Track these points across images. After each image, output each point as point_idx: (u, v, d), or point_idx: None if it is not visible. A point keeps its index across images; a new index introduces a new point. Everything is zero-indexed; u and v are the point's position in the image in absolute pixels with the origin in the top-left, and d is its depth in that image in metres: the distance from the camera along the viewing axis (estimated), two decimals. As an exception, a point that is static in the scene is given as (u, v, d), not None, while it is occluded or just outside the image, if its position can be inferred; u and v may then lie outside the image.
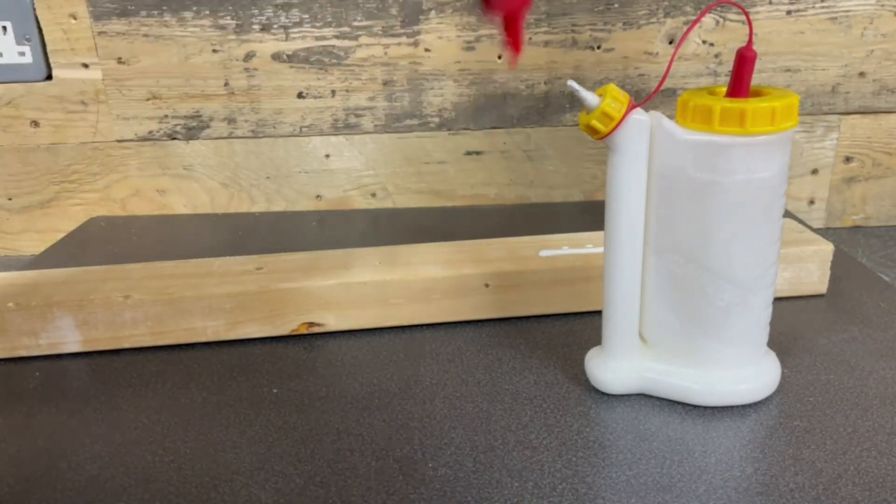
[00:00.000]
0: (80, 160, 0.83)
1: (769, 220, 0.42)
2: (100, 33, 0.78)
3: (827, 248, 0.58)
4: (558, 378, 0.49)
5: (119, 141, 0.82)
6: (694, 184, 0.41)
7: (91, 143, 0.82)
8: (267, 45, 0.78)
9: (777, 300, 0.46)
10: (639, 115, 0.41)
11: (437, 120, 0.81)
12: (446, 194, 0.84)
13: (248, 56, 0.78)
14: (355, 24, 0.77)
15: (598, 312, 0.47)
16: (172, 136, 0.82)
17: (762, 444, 0.42)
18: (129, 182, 0.84)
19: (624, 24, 0.77)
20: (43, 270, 0.58)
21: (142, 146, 0.83)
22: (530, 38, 0.77)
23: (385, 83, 0.80)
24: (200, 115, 0.81)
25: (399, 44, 0.78)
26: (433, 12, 0.77)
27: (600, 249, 0.54)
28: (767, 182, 0.41)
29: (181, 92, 0.80)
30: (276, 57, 0.79)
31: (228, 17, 0.77)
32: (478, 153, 0.83)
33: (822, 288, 0.59)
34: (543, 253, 0.58)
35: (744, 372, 0.45)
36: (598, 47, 0.78)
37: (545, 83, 0.80)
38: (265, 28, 0.77)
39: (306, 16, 0.77)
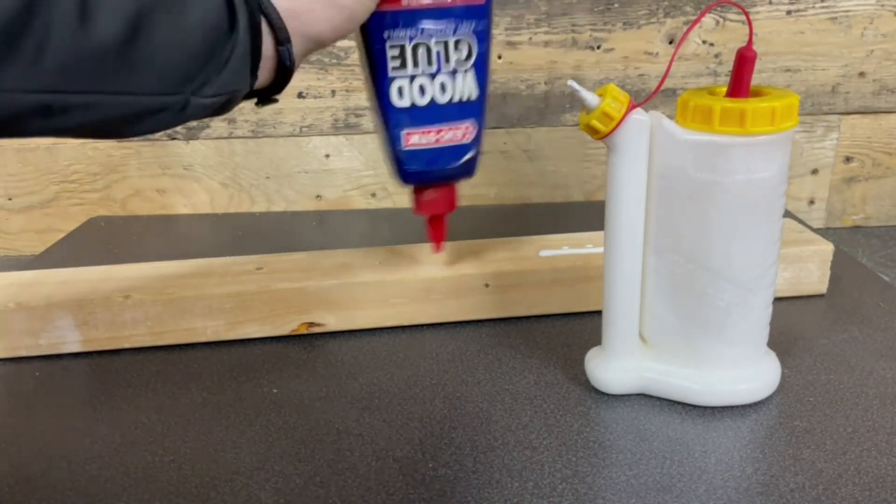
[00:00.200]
0: (80, 160, 0.83)
1: (769, 220, 0.42)
2: (100, 33, 0.78)
3: (827, 248, 0.58)
4: (558, 378, 0.49)
5: (119, 141, 0.82)
6: (694, 184, 0.41)
7: (91, 143, 0.82)
8: (267, 45, 0.78)
9: (777, 300, 0.46)
10: (639, 115, 0.41)
11: (437, 120, 0.81)
12: (446, 194, 0.84)
13: (248, 56, 0.78)
14: (355, 24, 0.77)
15: (598, 312, 0.47)
16: (172, 136, 0.82)
17: (762, 444, 0.42)
18: (129, 182, 0.84)
19: (624, 24, 0.77)
20: (43, 270, 0.58)
21: (142, 146, 0.83)
22: (530, 39, 0.77)
23: (385, 83, 0.80)
24: (200, 115, 0.81)
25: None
26: (433, 12, 0.77)
27: (600, 249, 0.54)
28: (767, 182, 0.41)
29: (181, 92, 0.80)
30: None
31: (228, 17, 0.77)
32: (478, 153, 0.83)
33: (822, 288, 0.59)
34: (543, 253, 0.58)
35: (744, 372, 0.45)
36: (598, 47, 0.78)
37: (545, 83, 0.80)
38: (265, 28, 0.77)
39: (306, 16, 0.77)
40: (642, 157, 0.42)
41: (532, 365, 0.51)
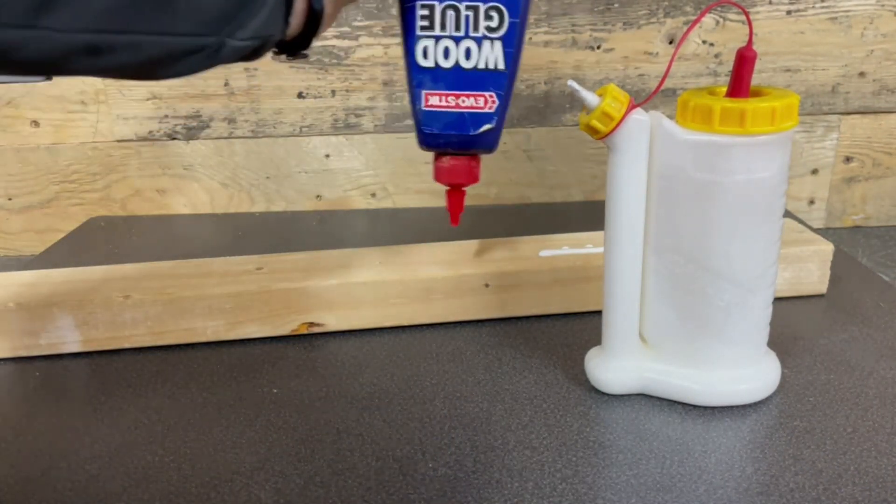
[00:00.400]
0: (80, 160, 0.83)
1: (769, 220, 0.42)
2: (100, 33, 0.78)
3: (827, 248, 0.58)
4: (558, 378, 0.49)
5: (119, 141, 0.82)
6: (694, 184, 0.41)
7: (91, 143, 0.82)
8: (267, 45, 0.78)
9: (777, 300, 0.46)
10: (639, 115, 0.41)
11: (437, 120, 0.81)
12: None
13: (248, 56, 0.78)
14: (355, 23, 0.77)
15: (598, 312, 0.47)
16: (172, 136, 0.82)
17: (762, 444, 0.42)
18: (129, 182, 0.84)
19: (624, 24, 0.77)
20: (43, 270, 0.58)
21: (142, 146, 0.83)
22: (530, 39, 0.77)
23: (385, 83, 0.80)
24: (200, 115, 0.81)
25: (399, 44, 0.78)
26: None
27: (600, 249, 0.54)
28: (767, 182, 0.41)
29: (181, 92, 0.80)
30: (276, 56, 0.79)
31: (228, 17, 0.77)
32: (478, 153, 0.83)
33: (822, 288, 0.59)
34: (543, 253, 0.58)
35: (744, 372, 0.45)
36: (598, 47, 0.78)
37: (545, 83, 0.80)
38: (265, 28, 0.77)
39: (306, 16, 0.77)
40: (642, 157, 0.42)
41: (532, 365, 0.51)
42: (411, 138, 0.82)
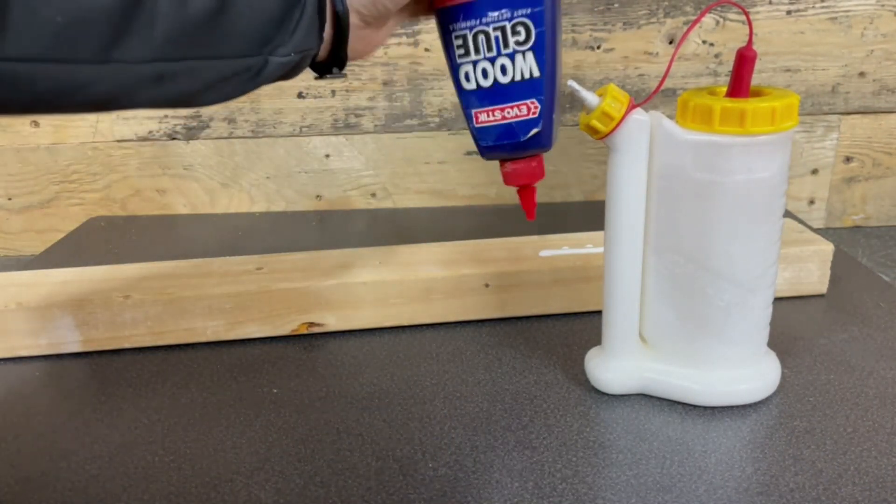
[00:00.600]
0: (80, 160, 0.83)
1: (769, 220, 0.42)
2: (100, 33, 0.78)
3: (827, 248, 0.58)
4: (558, 378, 0.49)
5: (119, 141, 0.82)
6: (694, 184, 0.41)
7: (91, 143, 0.82)
8: (267, 45, 0.78)
9: (777, 300, 0.46)
10: (639, 115, 0.41)
11: (437, 120, 0.81)
12: (446, 194, 0.84)
13: (248, 56, 0.78)
14: (355, 24, 0.77)
15: (598, 312, 0.47)
16: (172, 136, 0.82)
17: (762, 444, 0.42)
18: (129, 182, 0.84)
19: (624, 24, 0.77)
20: (43, 270, 0.58)
21: (142, 146, 0.83)
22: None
23: (385, 83, 0.80)
24: (200, 115, 0.81)
25: (399, 44, 0.78)
26: (433, 12, 0.77)
27: (600, 249, 0.54)
28: (767, 182, 0.41)
29: (181, 92, 0.80)
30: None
31: (228, 17, 0.77)
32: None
33: (822, 288, 0.59)
34: (543, 253, 0.58)
35: (744, 372, 0.45)
36: (598, 47, 0.78)
37: (545, 83, 0.79)
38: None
39: (306, 16, 0.77)
40: (642, 157, 0.42)
41: (532, 365, 0.51)
42: (411, 138, 0.83)
